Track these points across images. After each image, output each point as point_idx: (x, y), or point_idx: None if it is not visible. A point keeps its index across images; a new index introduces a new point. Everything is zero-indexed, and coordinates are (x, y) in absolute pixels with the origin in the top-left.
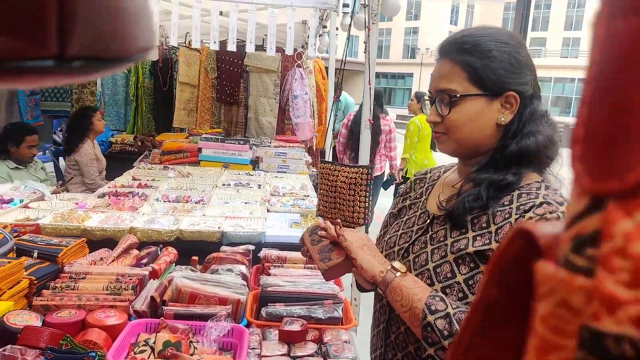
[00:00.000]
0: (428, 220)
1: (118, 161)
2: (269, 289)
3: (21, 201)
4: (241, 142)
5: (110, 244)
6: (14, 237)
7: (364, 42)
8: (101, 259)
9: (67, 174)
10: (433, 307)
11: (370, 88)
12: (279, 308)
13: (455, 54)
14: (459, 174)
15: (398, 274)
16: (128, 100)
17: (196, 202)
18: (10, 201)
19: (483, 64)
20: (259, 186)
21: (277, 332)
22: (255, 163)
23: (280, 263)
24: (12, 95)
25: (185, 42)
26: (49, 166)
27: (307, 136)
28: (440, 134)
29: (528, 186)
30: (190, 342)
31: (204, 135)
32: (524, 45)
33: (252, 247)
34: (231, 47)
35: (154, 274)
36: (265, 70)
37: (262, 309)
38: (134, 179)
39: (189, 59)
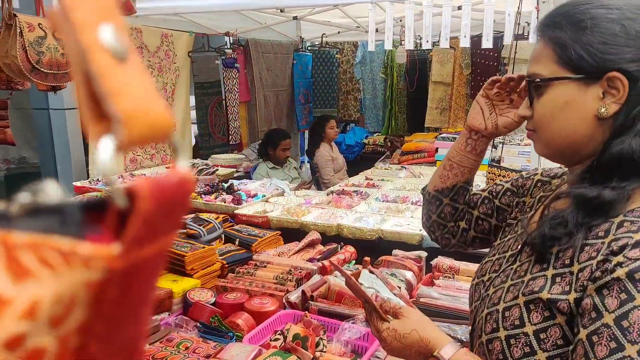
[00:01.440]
0: (520, 247)
1: (368, 162)
2: (421, 299)
3: (263, 196)
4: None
5: (322, 238)
6: (225, 227)
7: None
8: (289, 250)
9: (312, 174)
10: None
11: None
12: None
13: (547, 30)
14: (567, 183)
15: None
16: (386, 103)
17: (412, 203)
18: (254, 196)
19: (573, 37)
20: None
21: None
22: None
23: (452, 273)
24: (292, 104)
25: (438, 42)
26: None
27: None
28: (531, 132)
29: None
30: (321, 339)
31: (441, 135)
32: None
33: (424, 254)
34: (485, 44)
35: (324, 270)
36: (525, 60)
37: None
38: (366, 178)
39: (443, 57)
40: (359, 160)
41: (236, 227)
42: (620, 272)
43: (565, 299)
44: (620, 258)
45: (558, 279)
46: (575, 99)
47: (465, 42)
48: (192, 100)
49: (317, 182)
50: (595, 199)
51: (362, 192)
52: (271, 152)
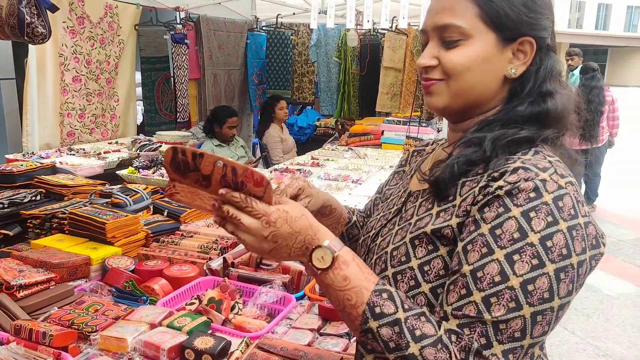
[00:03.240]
0: (404, 199)
1: (319, 144)
2: None
3: None
4: (424, 124)
5: None
6: (154, 198)
7: None
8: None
9: (260, 153)
10: (378, 309)
11: None
12: None
13: None
14: (449, 143)
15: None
16: (339, 87)
17: (352, 182)
18: None
19: None
20: None
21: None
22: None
23: None
24: (245, 84)
25: (392, 27)
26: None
27: None
28: (435, 82)
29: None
30: (236, 302)
31: (387, 118)
32: None
33: None
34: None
35: None
36: None
37: (317, 284)
38: (312, 158)
39: (395, 43)
40: (310, 142)
41: (166, 199)
42: (500, 192)
43: (448, 225)
44: (500, 182)
45: (442, 213)
46: (493, 55)
47: (403, 24)
48: (139, 76)
49: (267, 162)
50: (516, 134)
51: (305, 170)
52: (217, 129)
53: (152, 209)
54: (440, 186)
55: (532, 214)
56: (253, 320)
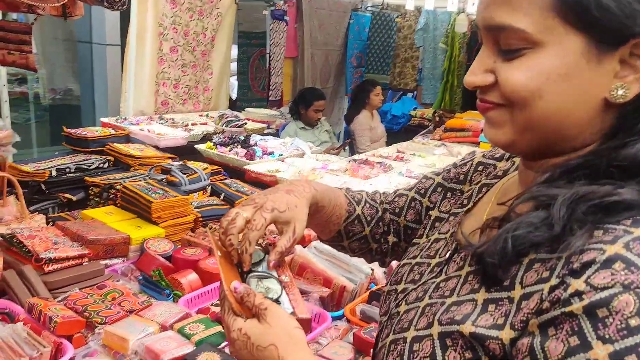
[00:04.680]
0: (449, 253)
1: (411, 134)
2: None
3: (280, 155)
4: None
5: None
6: (214, 179)
7: None
8: None
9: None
10: None
11: None
12: (376, 310)
13: None
14: (519, 184)
15: None
16: (443, 75)
17: None
18: (270, 153)
19: None
20: None
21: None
22: None
23: None
24: (343, 67)
25: None
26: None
27: None
28: (492, 107)
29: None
30: None
31: None
32: None
33: None
34: None
35: (301, 239)
36: None
37: (360, 305)
38: (398, 150)
39: None
40: (402, 133)
41: (227, 181)
42: (576, 306)
43: (497, 337)
44: (580, 284)
45: (491, 307)
46: (581, 71)
47: None
48: (235, 52)
49: (352, 149)
50: (608, 196)
51: (386, 164)
52: (303, 111)
53: (209, 191)
54: (488, 270)
55: None
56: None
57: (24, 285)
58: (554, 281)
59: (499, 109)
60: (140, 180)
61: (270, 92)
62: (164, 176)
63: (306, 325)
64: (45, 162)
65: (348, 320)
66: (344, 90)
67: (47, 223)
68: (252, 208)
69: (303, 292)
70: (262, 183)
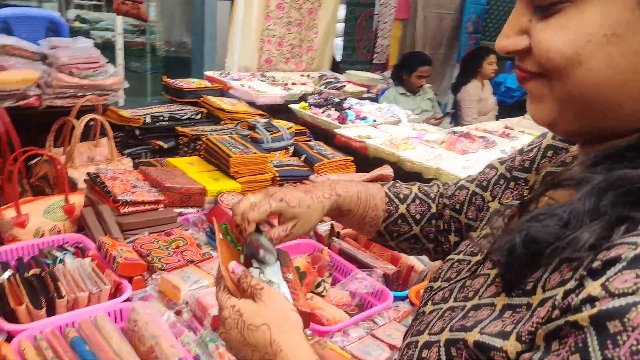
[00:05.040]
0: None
1: (524, 111)
2: None
3: (374, 120)
4: None
5: (416, 178)
6: (297, 140)
7: None
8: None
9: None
10: None
11: None
12: None
13: None
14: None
15: None
16: None
17: None
18: (364, 118)
19: None
20: None
21: None
22: None
23: None
24: (457, 32)
25: None
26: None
27: None
28: (530, 77)
29: None
30: (323, 280)
31: None
32: None
33: None
34: None
35: None
36: None
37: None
38: (506, 126)
39: None
40: (515, 108)
41: (311, 143)
42: (583, 315)
43: (500, 348)
44: (596, 288)
45: (507, 314)
46: (632, 30)
47: None
48: (343, 12)
49: (456, 120)
50: None
51: (489, 139)
52: (405, 76)
53: (291, 151)
54: (504, 273)
55: None
56: (332, 308)
57: (99, 224)
58: (571, 284)
59: (538, 80)
60: (225, 135)
61: (375, 55)
62: (249, 132)
63: (306, 319)
64: (143, 109)
65: (412, 303)
66: (456, 58)
67: (135, 167)
68: (263, 195)
69: (366, 266)
70: (350, 148)
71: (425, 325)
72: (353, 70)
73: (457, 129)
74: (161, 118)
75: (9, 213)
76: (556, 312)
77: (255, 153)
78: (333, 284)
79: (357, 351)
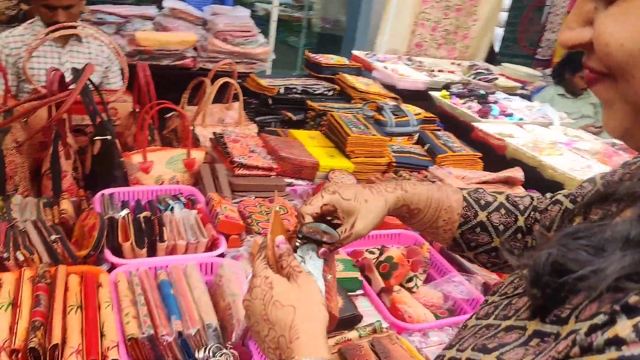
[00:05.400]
0: None
1: None
2: None
3: (520, 119)
4: None
5: (556, 188)
6: (425, 128)
7: None
8: (477, 177)
9: None
10: None
11: None
12: None
13: None
14: None
15: None
16: None
17: None
18: (509, 115)
19: None
20: None
21: None
22: None
23: None
24: None
25: None
26: None
27: None
28: (596, 77)
29: None
30: (416, 276)
31: None
32: None
33: None
34: None
35: None
36: None
37: None
38: None
39: None
40: None
41: (439, 132)
42: (601, 358)
43: None
44: (627, 327)
45: (534, 341)
46: None
47: None
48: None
49: None
50: None
51: None
52: (567, 75)
53: (415, 138)
54: (530, 292)
55: None
56: (419, 306)
57: (212, 180)
58: (599, 318)
59: (604, 81)
60: (350, 113)
61: (540, 50)
62: (374, 113)
63: (332, 322)
64: (280, 80)
65: None
66: None
67: (259, 134)
68: (321, 188)
69: (466, 271)
70: (487, 145)
71: (458, 340)
72: (509, 63)
73: (619, 141)
74: (294, 90)
75: (137, 158)
76: (575, 349)
77: (374, 135)
78: (427, 281)
79: (433, 356)
